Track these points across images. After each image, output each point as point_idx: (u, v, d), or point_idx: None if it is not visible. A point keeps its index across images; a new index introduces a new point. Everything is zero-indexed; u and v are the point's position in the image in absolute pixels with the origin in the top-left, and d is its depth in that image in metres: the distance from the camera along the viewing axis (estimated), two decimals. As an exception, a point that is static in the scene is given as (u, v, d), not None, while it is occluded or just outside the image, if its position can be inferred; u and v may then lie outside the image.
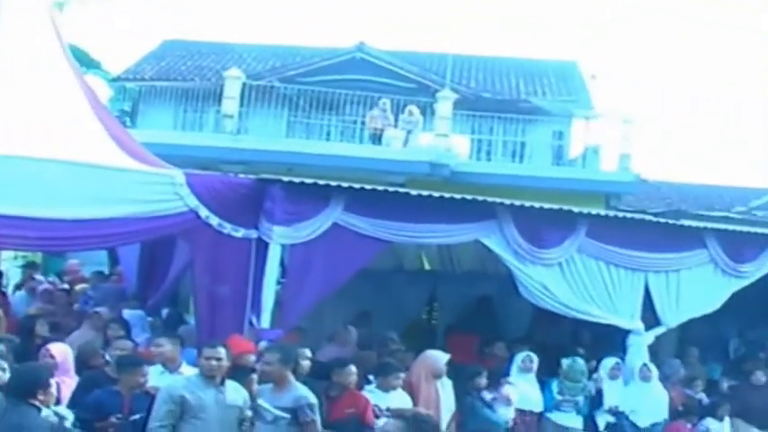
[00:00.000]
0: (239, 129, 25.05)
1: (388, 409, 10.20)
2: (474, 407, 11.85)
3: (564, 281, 12.87)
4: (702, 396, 14.98)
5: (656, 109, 70.56)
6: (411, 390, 11.10)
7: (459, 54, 30.91)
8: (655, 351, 14.73)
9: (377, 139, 24.71)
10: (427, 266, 18.15)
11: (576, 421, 13.14)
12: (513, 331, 15.45)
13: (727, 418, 14.01)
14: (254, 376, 9.75)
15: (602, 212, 13.62)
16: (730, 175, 71.20)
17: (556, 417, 13.09)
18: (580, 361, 13.28)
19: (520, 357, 13.13)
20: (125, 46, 69.75)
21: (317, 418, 9.14)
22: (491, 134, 26.72)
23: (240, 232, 11.29)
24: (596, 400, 13.32)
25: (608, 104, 29.74)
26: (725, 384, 15.37)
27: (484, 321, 15.75)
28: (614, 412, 13.31)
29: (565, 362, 13.25)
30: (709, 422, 13.87)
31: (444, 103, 24.85)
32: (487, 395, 12.22)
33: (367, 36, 29.85)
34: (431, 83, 27.53)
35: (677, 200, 26.85)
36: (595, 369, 13.59)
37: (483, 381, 12.12)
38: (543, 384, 13.20)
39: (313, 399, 9.21)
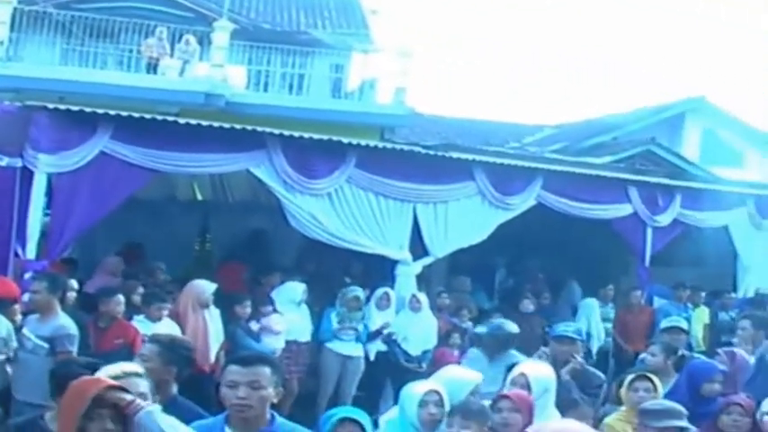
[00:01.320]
0: (10, 55, 24.22)
1: (155, 338, 10.16)
2: (236, 335, 11.89)
3: (333, 211, 12.93)
4: (469, 325, 15.47)
5: (439, 47, 71.65)
6: (179, 319, 11.09)
7: (238, -17, 30.60)
8: (427, 280, 15.14)
9: (152, 68, 24.35)
10: (200, 197, 18.04)
11: (356, 349, 13.31)
12: (286, 262, 15.55)
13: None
14: (17, 306, 9.59)
15: (372, 143, 13.70)
16: (507, 113, 73.07)
17: (335, 345, 13.20)
18: (358, 290, 13.42)
19: (295, 289, 13.15)
20: None
21: (73, 350, 8.99)
22: (269, 65, 26.56)
23: (4, 161, 10.96)
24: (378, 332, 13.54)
25: (388, 40, 29.94)
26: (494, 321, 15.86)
27: (257, 253, 15.80)
28: (386, 341, 13.56)
29: (343, 291, 13.39)
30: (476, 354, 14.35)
31: (221, 33, 24.56)
32: (255, 325, 12.32)
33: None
34: (208, 12, 27.07)
35: (453, 134, 27.35)
36: (367, 299, 13.78)
37: (246, 310, 12.20)
38: (318, 314, 13.33)
39: (73, 330, 9.09)
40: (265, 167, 12.40)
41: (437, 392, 6.63)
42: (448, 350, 13.96)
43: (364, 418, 5.90)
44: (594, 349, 15.74)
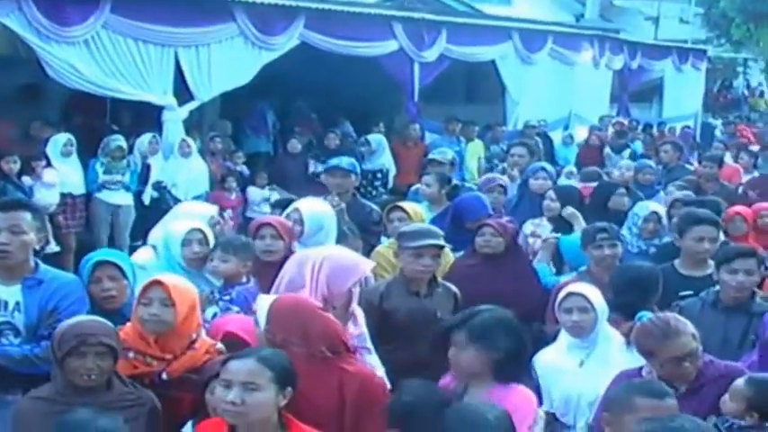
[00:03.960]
0: None
1: None
2: (6, 190, 11.59)
3: (92, 59, 12.51)
4: (243, 168, 15.61)
5: None
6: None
7: None
8: (198, 125, 15.11)
9: None
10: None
11: (125, 198, 13.27)
12: (55, 115, 15.13)
13: (266, 187, 14.75)
14: None
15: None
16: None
17: (104, 195, 13.12)
18: (120, 139, 13.27)
19: (59, 140, 12.90)
20: None
21: None
22: None
23: None
24: (143, 177, 13.49)
25: None
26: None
27: (23, 108, 15.33)
28: (157, 187, 13.54)
29: (105, 141, 13.20)
30: (251, 190, 14.74)
31: None
32: (28, 180, 12.11)
33: None
34: None
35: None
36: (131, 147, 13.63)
37: (11, 165, 11.96)
38: (86, 165, 13.14)
39: None
40: (15, 17, 11.80)
41: (200, 230, 6.62)
42: (224, 194, 14.09)
43: (123, 260, 5.89)
44: (390, 185, 16.22)
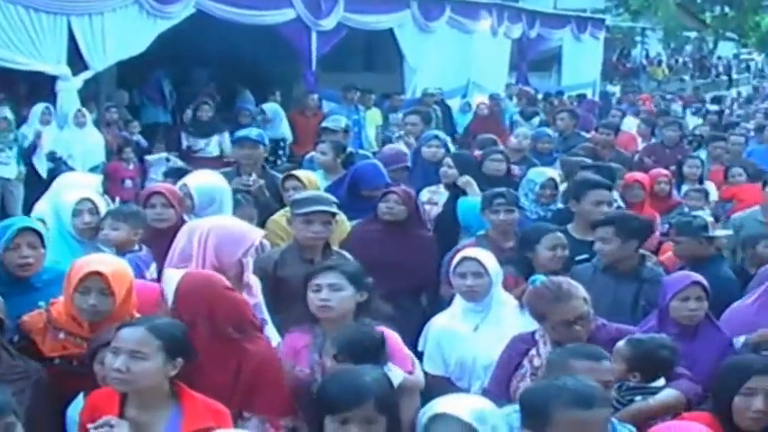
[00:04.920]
0: None
1: None
2: None
3: (-18, 28, 12.22)
4: (140, 138, 15.46)
5: None
6: None
7: None
8: (95, 95, 14.88)
9: None
10: None
11: (14, 172, 13.02)
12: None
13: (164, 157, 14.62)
14: None
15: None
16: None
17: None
18: (5, 110, 13.04)
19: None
20: None
21: None
22: None
23: None
24: (31, 148, 13.20)
25: None
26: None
27: None
28: (52, 158, 13.30)
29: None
30: (149, 160, 14.57)
31: None
32: None
33: None
34: None
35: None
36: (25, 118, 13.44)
37: None
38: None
39: None
40: None
41: (90, 200, 6.51)
42: (122, 164, 13.93)
43: (41, 228, 5.79)
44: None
